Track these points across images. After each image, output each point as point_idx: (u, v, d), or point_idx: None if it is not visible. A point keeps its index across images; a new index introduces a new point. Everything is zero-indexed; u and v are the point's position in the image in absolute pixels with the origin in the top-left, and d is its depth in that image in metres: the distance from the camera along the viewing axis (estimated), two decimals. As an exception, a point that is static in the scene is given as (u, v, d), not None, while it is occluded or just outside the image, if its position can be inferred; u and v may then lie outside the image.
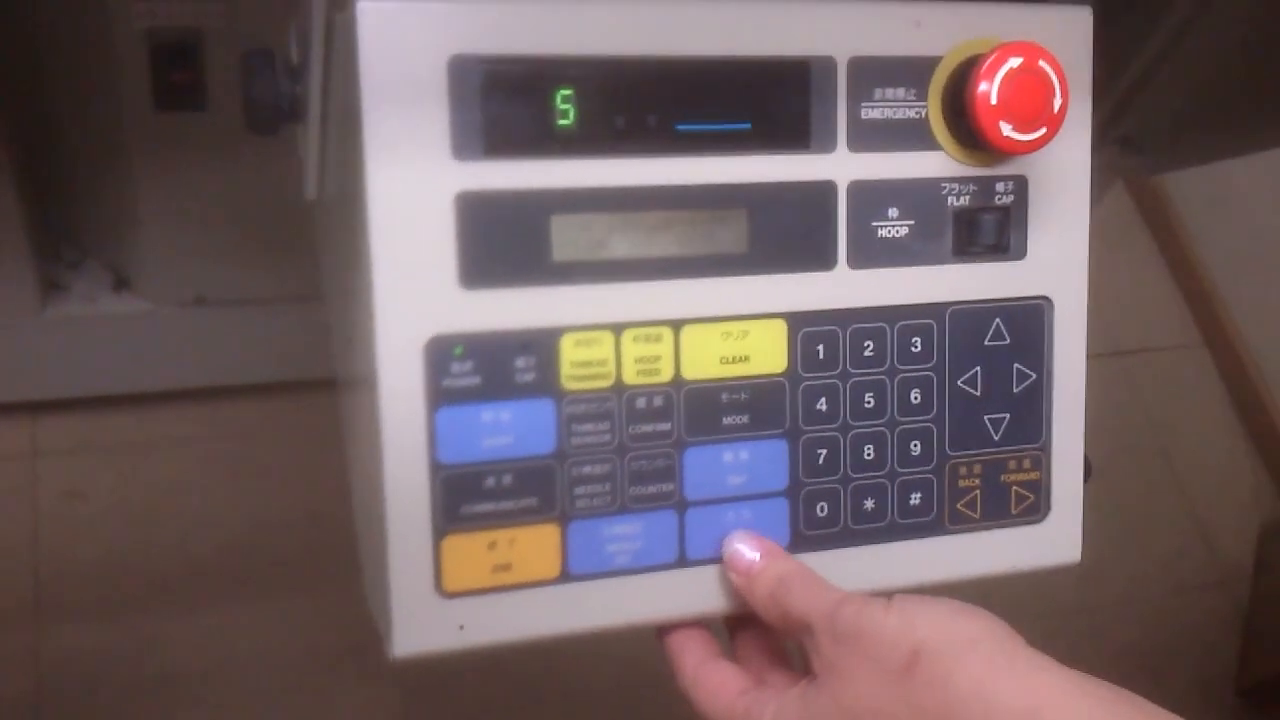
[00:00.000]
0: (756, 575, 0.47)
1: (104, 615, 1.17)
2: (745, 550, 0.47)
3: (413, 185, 0.43)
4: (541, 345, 0.45)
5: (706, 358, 0.47)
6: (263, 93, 0.49)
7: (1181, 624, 1.51)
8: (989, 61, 0.46)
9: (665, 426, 0.47)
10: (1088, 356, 0.52)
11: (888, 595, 0.42)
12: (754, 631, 0.50)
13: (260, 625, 1.20)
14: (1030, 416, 0.51)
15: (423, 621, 0.45)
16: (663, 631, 0.49)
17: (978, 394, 0.51)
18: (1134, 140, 0.96)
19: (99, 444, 1.24)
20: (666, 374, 0.47)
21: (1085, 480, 0.53)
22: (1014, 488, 0.52)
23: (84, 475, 1.23)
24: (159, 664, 1.16)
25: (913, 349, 0.49)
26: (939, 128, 0.48)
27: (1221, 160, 1.06)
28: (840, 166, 0.47)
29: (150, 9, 0.83)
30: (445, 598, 0.45)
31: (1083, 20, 0.50)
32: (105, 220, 1.10)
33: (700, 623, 0.49)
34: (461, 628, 0.45)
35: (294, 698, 1.19)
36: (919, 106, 0.48)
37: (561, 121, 0.44)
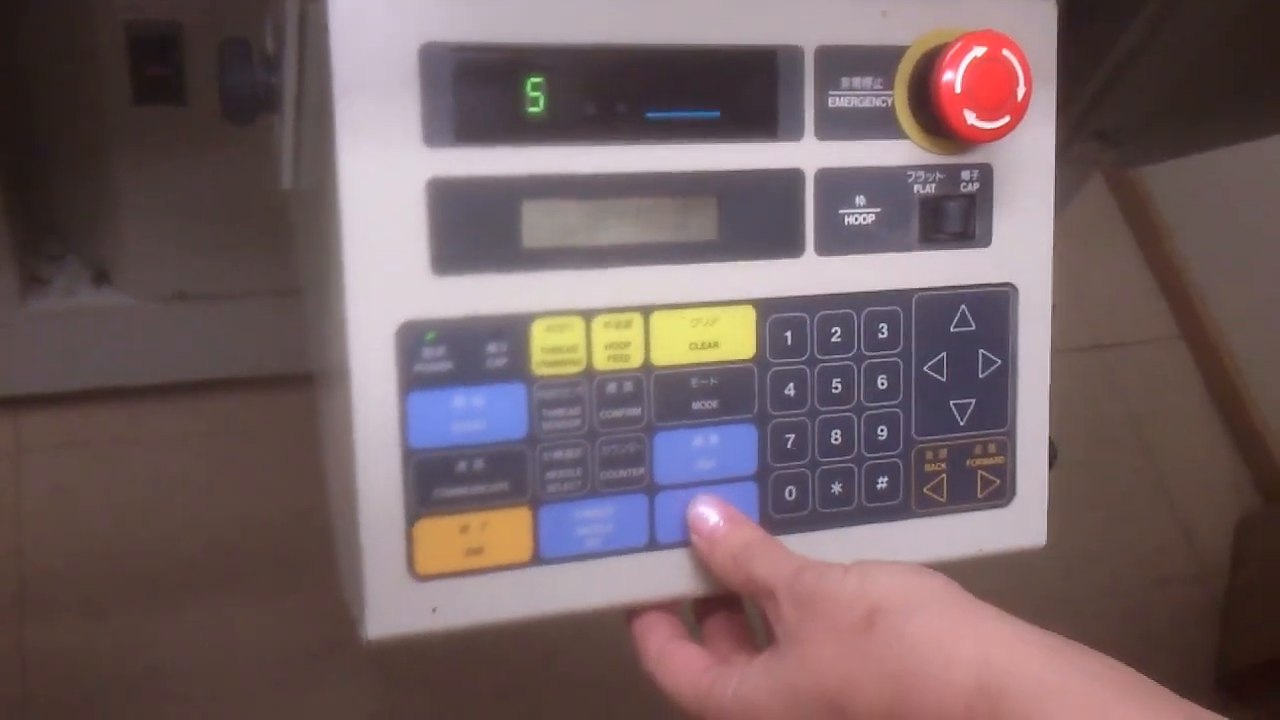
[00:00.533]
0: (720, 540, 0.47)
1: (89, 611, 1.17)
2: (709, 514, 0.48)
3: (384, 172, 0.43)
4: (513, 331, 0.45)
5: (676, 343, 0.48)
6: (239, 82, 0.50)
7: (1161, 616, 1.52)
8: (953, 50, 0.47)
9: (635, 411, 0.47)
10: (1067, 350, 0.53)
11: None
12: (721, 616, 0.51)
13: (246, 621, 1.20)
14: (995, 402, 0.52)
15: (396, 604, 0.45)
16: (631, 615, 0.50)
17: (944, 379, 0.51)
18: (1110, 134, 0.97)
19: (82, 439, 1.24)
20: (636, 360, 0.47)
21: (1051, 465, 0.54)
22: (980, 472, 0.52)
23: (68, 471, 1.22)
24: (145, 660, 1.17)
25: (879, 335, 0.50)
26: (905, 116, 0.49)
27: (1197, 153, 1.07)
28: (808, 154, 0.48)
29: (131, 2, 0.83)
30: (418, 580, 0.45)
31: (1047, 10, 0.50)
32: (86, 214, 1.09)
33: (667, 607, 0.50)
34: (434, 610, 0.46)
35: (279, 693, 1.19)
36: (885, 95, 0.49)
37: (532, 109, 0.45)
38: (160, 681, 1.16)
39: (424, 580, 0.45)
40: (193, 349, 1.17)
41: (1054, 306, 0.53)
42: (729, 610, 0.51)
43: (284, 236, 0.65)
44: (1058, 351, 0.53)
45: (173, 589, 1.19)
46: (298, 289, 0.62)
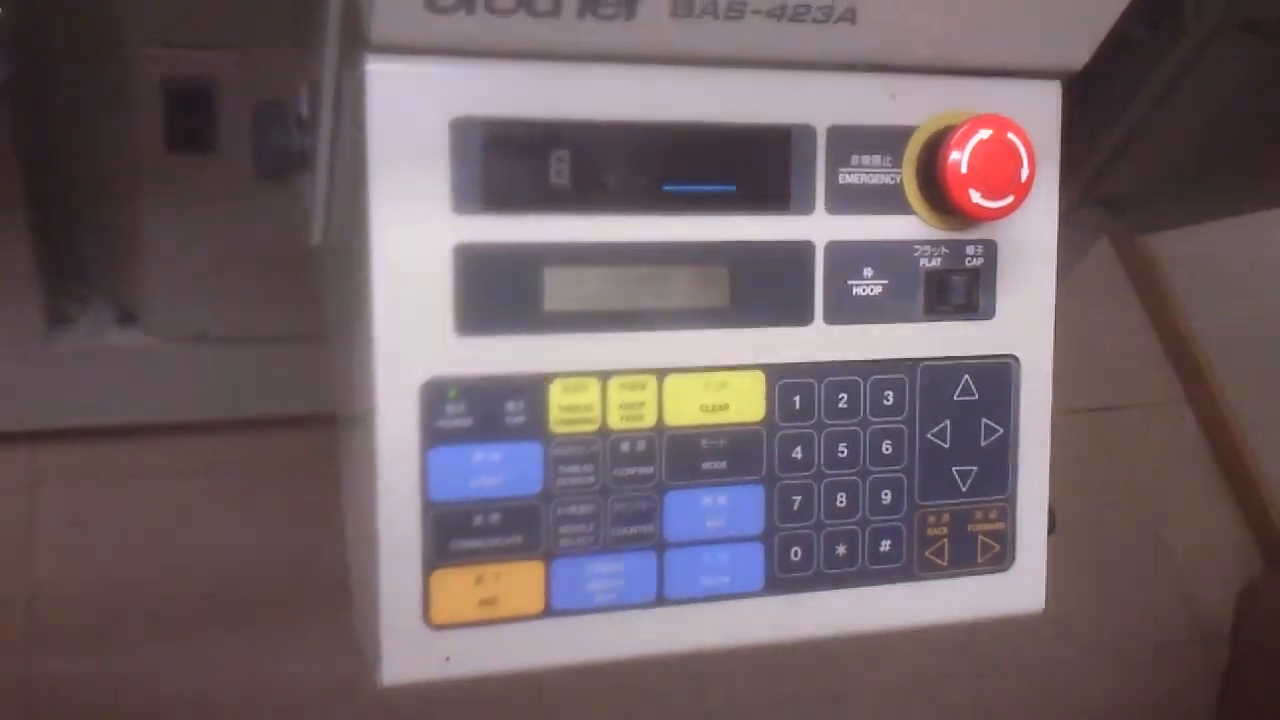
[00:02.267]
0: None
1: (97, 643, 1.18)
2: None
3: (414, 236, 0.45)
4: (532, 390, 0.47)
5: (688, 405, 0.49)
6: (274, 143, 0.52)
7: (1160, 680, 1.52)
8: (960, 132, 0.49)
9: (647, 470, 0.49)
10: (1071, 411, 0.54)
11: None
12: None
13: (252, 658, 1.21)
14: (997, 469, 0.54)
15: (410, 651, 0.47)
16: None
17: (947, 446, 0.53)
18: (1115, 201, 0.99)
19: (98, 474, 1.25)
20: (650, 420, 0.49)
21: (1050, 532, 0.55)
22: (980, 537, 0.54)
23: (83, 505, 1.24)
24: (146, 693, 1.17)
25: (885, 402, 0.52)
26: (912, 193, 0.51)
27: (1201, 224, 1.09)
28: (818, 228, 0.50)
29: (167, 56, 0.86)
30: (433, 629, 0.47)
31: (1051, 94, 0.52)
32: (113, 256, 1.12)
33: None
34: (448, 658, 0.47)
35: (280, 732, 1.20)
36: (894, 173, 0.51)
37: (556, 180, 0.46)
38: (160, 715, 1.17)
39: (439, 629, 0.47)
40: (211, 389, 1.18)
41: (1058, 368, 0.55)
42: None
43: (305, 284, 0.67)
44: (1062, 413, 0.54)
45: (178, 624, 1.20)
46: (315, 334, 0.64)
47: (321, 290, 0.64)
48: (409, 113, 0.44)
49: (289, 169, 0.53)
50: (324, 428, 0.62)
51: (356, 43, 0.45)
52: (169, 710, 1.17)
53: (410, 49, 0.44)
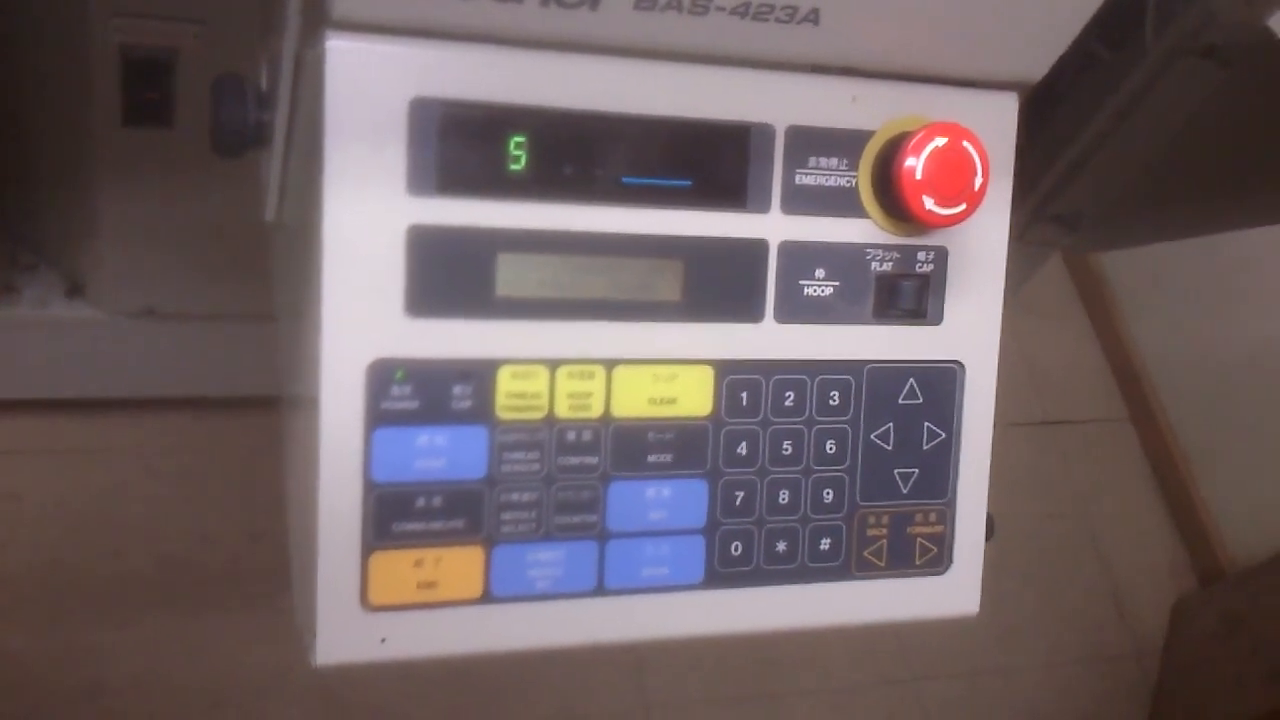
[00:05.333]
0: None
1: (32, 620, 1.17)
2: None
3: (367, 215, 0.45)
4: (479, 375, 0.47)
5: (636, 397, 0.49)
6: (231, 117, 0.51)
7: (1094, 691, 1.54)
8: (916, 139, 0.49)
9: (592, 460, 0.49)
10: (1017, 424, 0.55)
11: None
12: None
13: (191, 639, 1.20)
14: (938, 473, 0.54)
15: (346, 632, 0.47)
16: None
17: (889, 448, 0.53)
18: (1069, 219, 1.00)
19: (40, 448, 1.24)
20: (597, 410, 0.49)
21: (988, 538, 0.56)
22: (919, 539, 0.54)
23: (22, 478, 1.22)
24: (86, 673, 1.16)
25: (831, 402, 0.52)
26: (867, 197, 0.51)
27: (1154, 244, 1.11)
28: (773, 227, 0.50)
29: (128, 25, 0.85)
30: (370, 611, 0.47)
31: (1008, 105, 0.53)
32: (64, 227, 1.10)
33: None
34: (384, 641, 0.47)
35: (221, 714, 1.18)
36: (850, 176, 0.51)
37: (513, 166, 0.46)
38: (100, 697, 1.15)
39: (376, 611, 0.47)
40: (158, 366, 1.17)
41: (1005, 381, 0.55)
42: None
43: (257, 262, 0.66)
44: (1008, 425, 0.55)
45: (119, 603, 1.19)
46: (266, 313, 0.64)
47: (273, 267, 0.64)
48: (368, 92, 0.44)
49: (246, 145, 0.52)
50: (272, 409, 0.62)
51: (318, 19, 0.44)
52: (104, 692, 1.15)
53: (371, 28, 0.44)
